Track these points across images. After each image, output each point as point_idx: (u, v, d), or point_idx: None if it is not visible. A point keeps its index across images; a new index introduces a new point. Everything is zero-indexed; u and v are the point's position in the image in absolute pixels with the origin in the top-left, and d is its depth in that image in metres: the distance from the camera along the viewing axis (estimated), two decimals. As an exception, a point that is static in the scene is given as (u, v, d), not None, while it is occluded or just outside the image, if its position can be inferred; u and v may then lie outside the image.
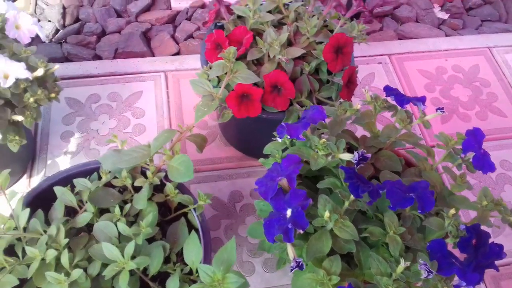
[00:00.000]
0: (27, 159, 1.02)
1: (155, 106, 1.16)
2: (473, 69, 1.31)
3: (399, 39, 1.44)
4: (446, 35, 1.46)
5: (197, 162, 1.06)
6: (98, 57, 1.29)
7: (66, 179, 0.75)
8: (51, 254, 0.61)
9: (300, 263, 0.58)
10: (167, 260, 0.69)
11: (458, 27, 1.51)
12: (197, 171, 1.05)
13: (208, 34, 0.86)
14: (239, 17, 0.92)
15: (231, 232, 0.96)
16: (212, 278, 0.56)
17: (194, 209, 0.73)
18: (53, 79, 0.81)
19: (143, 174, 0.76)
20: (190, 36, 1.35)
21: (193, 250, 0.66)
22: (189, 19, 1.40)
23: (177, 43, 1.33)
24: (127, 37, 1.31)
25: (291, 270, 0.58)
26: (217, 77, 0.85)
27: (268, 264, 0.92)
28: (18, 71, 0.72)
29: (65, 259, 0.61)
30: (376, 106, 0.78)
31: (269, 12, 0.90)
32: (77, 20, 1.38)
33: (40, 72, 0.75)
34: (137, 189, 0.74)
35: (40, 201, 0.73)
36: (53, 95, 0.79)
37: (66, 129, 1.09)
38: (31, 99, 0.75)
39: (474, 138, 0.72)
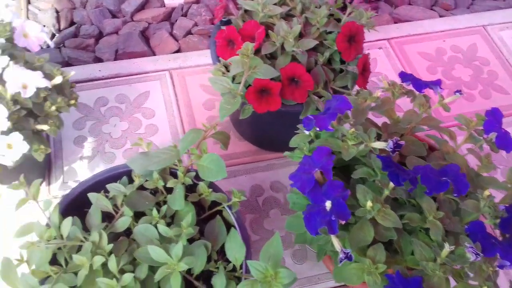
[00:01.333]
0: (44, 167, 1.01)
1: (164, 105, 1.15)
2: (471, 48, 1.34)
3: (395, 22, 1.45)
4: (440, 16, 1.48)
5: (212, 158, 1.07)
6: (98, 60, 1.28)
7: (96, 185, 0.75)
8: (99, 260, 0.61)
9: (349, 254, 0.59)
10: (208, 258, 0.70)
11: (450, 7, 1.53)
12: (213, 168, 1.06)
13: (219, 31, 0.86)
14: (245, 11, 0.92)
15: (257, 226, 0.97)
16: (265, 274, 0.57)
17: (228, 206, 0.74)
18: (70, 86, 0.80)
19: (172, 175, 0.77)
20: (189, 33, 1.34)
21: (235, 247, 0.67)
22: (184, 15, 1.39)
23: (177, 40, 1.33)
24: (126, 38, 1.29)
25: (340, 262, 0.60)
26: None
27: (297, 256, 0.94)
28: (36, 80, 0.72)
29: (112, 264, 0.62)
30: (394, 93, 0.79)
31: (275, 4, 0.90)
32: (72, 23, 1.35)
33: (58, 79, 0.75)
34: (169, 191, 0.75)
35: (72, 208, 0.73)
36: (72, 101, 0.78)
37: (78, 134, 1.09)
38: (53, 108, 0.74)
39: (494, 118, 0.74)
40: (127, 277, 0.60)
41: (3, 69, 0.70)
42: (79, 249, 0.68)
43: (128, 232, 0.71)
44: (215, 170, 0.71)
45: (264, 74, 0.78)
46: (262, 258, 0.60)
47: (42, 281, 0.64)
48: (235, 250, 0.67)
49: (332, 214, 0.61)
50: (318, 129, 0.69)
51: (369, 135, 0.67)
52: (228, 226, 0.74)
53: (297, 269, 0.92)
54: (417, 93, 0.79)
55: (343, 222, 0.61)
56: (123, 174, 0.76)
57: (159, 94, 1.17)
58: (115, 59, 1.27)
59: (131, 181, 0.76)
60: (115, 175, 0.76)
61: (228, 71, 0.86)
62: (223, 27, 0.88)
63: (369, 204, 0.60)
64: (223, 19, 0.95)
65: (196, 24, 1.35)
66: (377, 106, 0.79)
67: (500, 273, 0.92)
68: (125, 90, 1.17)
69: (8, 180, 0.90)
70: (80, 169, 1.04)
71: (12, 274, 0.62)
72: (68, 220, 0.64)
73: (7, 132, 0.69)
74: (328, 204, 0.63)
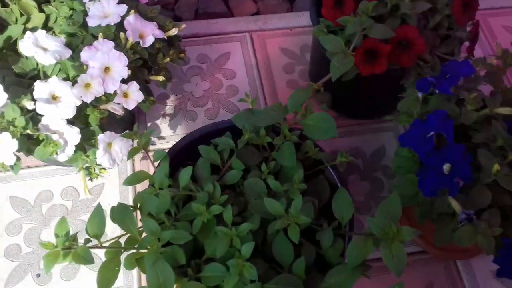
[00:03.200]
0: (130, 122, 1.03)
1: (244, 67, 1.15)
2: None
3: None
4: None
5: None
6: (178, 18, 1.28)
7: (202, 138, 0.76)
8: (216, 209, 0.62)
9: (471, 216, 0.58)
10: (310, 216, 0.71)
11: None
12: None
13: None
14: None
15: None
16: (386, 231, 0.57)
17: (331, 166, 0.74)
18: (178, 39, 0.80)
19: (275, 133, 0.77)
20: (268, -5, 1.33)
21: (343, 205, 0.67)
22: (263, -23, 1.37)
23: (255, 2, 1.31)
24: (206, -2, 1.29)
25: (460, 223, 0.59)
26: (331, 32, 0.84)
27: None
28: (154, 30, 0.72)
29: (228, 215, 0.63)
30: (506, 60, 0.76)
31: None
32: (151, -19, 1.35)
33: (174, 31, 0.75)
34: (271, 148, 0.75)
35: (176, 160, 0.74)
36: (182, 54, 0.79)
37: (160, 91, 1.10)
38: (166, 59, 0.75)
39: None
40: (245, 226, 0.61)
41: (122, 17, 0.70)
42: (186, 199, 0.69)
43: (231, 186, 0.72)
44: (323, 128, 0.71)
45: (380, 34, 0.76)
46: (380, 215, 0.60)
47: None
48: (343, 208, 0.66)
49: (454, 177, 0.60)
50: (437, 91, 0.67)
51: (494, 100, 0.65)
52: (330, 186, 0.74)
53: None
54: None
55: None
56: (227, 130, 0.77)
57: (240, 55, 1.17)
58: (195, 18, 1.27)
59: (233, 137, 0.76)
60: (219, 130, 0.77)
61: (331, 31, 0.85)
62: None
63: (496, 167, 0.58)
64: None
65: (274, -13, 1.33)
66: (489, 74, 0.76)
67: None
68: (206, 50, 1.17)
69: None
70: (163, 125, 1.05)
71: (128, 219, 0.64)
72: (188, 170, 0.65)
73: (125, 81, 0.71)
74: (446, 167, 0.62)
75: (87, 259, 0.53)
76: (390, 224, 0.57)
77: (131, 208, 0.65)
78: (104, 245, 0.61)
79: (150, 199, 0.65)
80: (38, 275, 0.87)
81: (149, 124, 1.05)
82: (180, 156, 0.75)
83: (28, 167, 0.97)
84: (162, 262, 0.57)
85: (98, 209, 0.59)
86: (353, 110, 1.07)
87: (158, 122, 1.06)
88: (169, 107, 1.08)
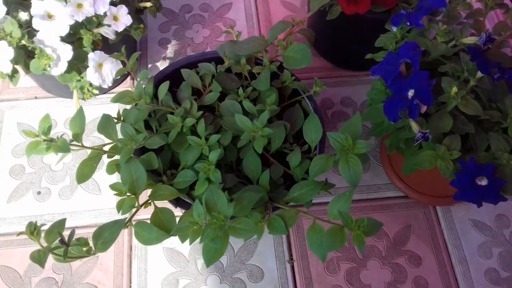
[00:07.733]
0: (131, 61, 1.09)
1: (245, 17, 1.18)
2: None
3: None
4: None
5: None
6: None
7: (188, 65, 0.80)
8: (190, 121, 0.67)
9: (426, 135, 0.61)
10: (284, 140, 0.75)
11: None
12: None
13: None
14: None
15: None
16: (343, 144, 0.61)
17: (307, 97, 0.77)
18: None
19: (257, 64, 0.80)
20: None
21: (312, 129, 0.71)
22: None
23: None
24: (213, -49, 1.32)
25: (416, 141, 0.62)
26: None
27: (361, 164, 0.97)
28: (145, -41, 0.77)
29: (201, 128, 0.67)
30: (487, 3, 0.78)
31: None
32: None
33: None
34: (252, 78, 0.79)
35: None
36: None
37: (163, 36, 1.15)
38: (154, -10, 0.79)
39: None
40: (214, 138, 0.66)
41: None
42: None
43: (212, 111, 0.76)
44: (300, 58, 0.74)
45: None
46: (341, 132, 0.63)
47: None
48: (312, 132, 0.70)
49: (415, 99, 0.62)
50: (408, 24, 0.70)
51: (461, 31, 0.67)
52: (306, 116, 0.77)
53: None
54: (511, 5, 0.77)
55: (423, 110, 0.63)
56: (212, 60, 0.81)
57: (241, 6, 1.20)
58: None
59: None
60: (205, 59, 0.81)
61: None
62: None
63: (454, 90, 0.61)
64: None
65: None
66: (468, 14, 0.78)
67: None
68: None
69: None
70: (162, 67, 1.10)
71: (111, 127, 0.69)
72: (165, 84, 0.70)
73: (115, 4, 0.75)
74: (410, 93, 0.64)
75: (64, 149, 0.59)
76: (346, 137, 0.60)
77: (114, 119, 0.70)
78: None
79: (132, 112, 0.70)
80: (39, 192, 0.94)
81: (150, 66, 1.10)
82: (170, 81, 0.79)
83: (36, 97, 1.04)
84: (136, 162, 0.63)
85: (80, 111, 0.64)
86: (345, 62, 1.09)
87: (158, 64, 1.11)
88: (170, 51, 1.13)
